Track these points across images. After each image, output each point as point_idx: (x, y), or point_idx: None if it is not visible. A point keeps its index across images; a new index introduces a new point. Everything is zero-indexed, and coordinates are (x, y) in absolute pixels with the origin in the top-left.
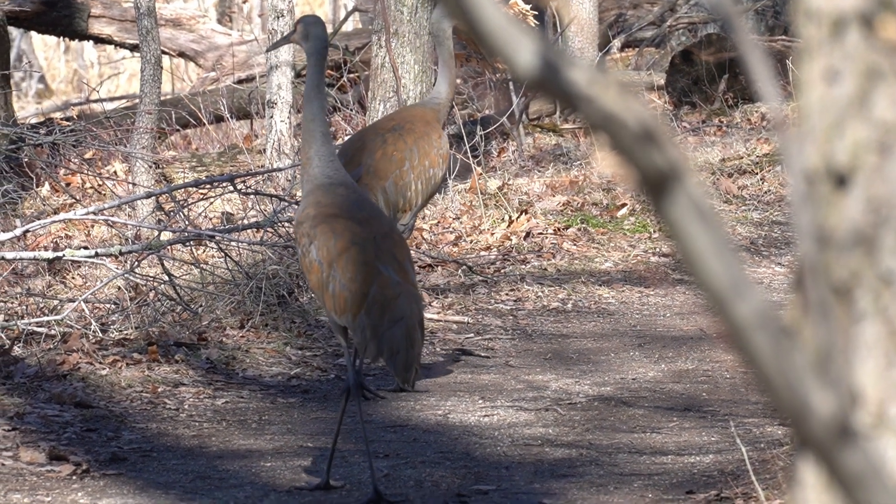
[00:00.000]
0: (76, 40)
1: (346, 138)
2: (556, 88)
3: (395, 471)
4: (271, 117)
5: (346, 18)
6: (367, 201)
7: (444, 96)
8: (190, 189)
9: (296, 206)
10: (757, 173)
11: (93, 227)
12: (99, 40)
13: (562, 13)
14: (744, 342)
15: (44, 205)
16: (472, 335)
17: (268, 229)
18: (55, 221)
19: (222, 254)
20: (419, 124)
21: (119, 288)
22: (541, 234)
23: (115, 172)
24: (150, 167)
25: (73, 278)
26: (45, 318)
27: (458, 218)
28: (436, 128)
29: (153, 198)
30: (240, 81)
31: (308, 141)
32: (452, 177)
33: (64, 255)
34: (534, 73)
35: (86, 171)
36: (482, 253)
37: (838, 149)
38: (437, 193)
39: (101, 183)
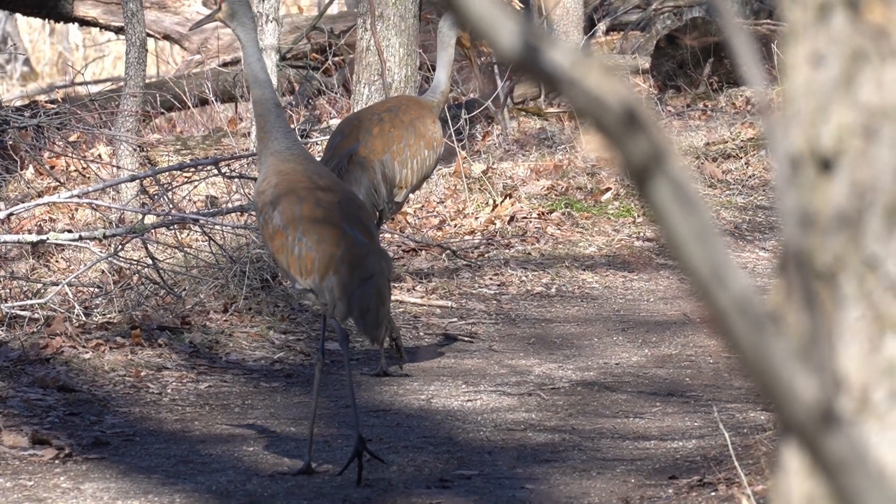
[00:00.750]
0: (61, 22)
1: (338, 121)
2: (538, 70)
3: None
4: None
5: (331, 1)
6: (326, 170)
7: (440, 94)
8: (174, 172)
9: None
10: (741, 157)
11: (77, 210)
12: (84, 23)
13: None
14: (727, 327)
15: (28, 188)
16: (455, 320)
17: (252, 213)
18: (39, 204)
19: (206, 237)
20: (414, 107)
21: (103, 271)
22: (525, 218)
23: (99, 156)
24: (135, 150)
25: (56, 262)
26: (29, 302)
27: (443, 202)
28: (430, 114)
29: (137, 181)
30: (225, 64)
31: (263, 115)
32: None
33: (48, 239)
34: (516, 55)
35: (70, 155)
36: (466, 237)
37: (823, 133)
38: (427, 178)
39: (85, 166)
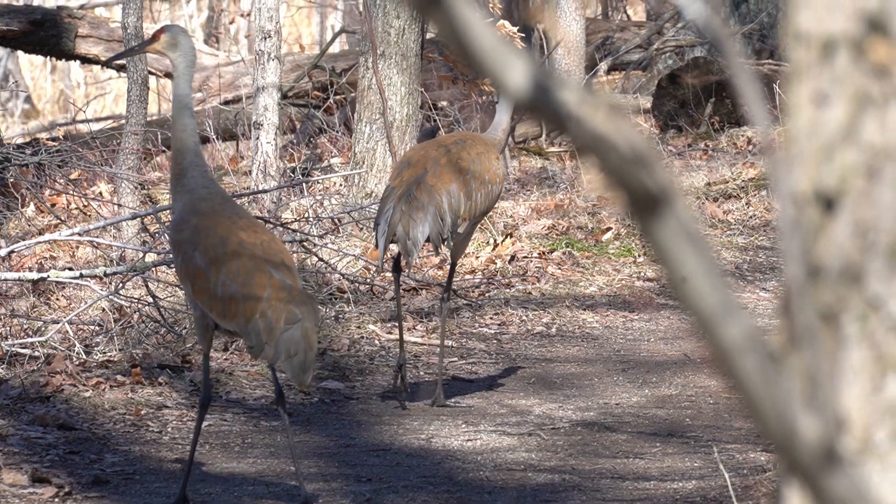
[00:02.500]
0: (63, 60)
1: (339, 159)
2: (546, 109)
3: (377, 495)
4: (257, 139)
5: (333, 39)
6: (243, 209)
7: (501, 132)
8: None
9: (281, 229)
10: (743, 198)
11: (78, 248)
12: (86, 60)
13: (549, 35)
14: (730, 366)
15: (29, 225)
16: (456, 359)
17: None
18: (40, 242)
19: None
20: (479, 143)
21: (103, 309)
22: (525, 257)
23: (100, 193)
24: (136, 188)
25: (57, 299)
26: (29, 340)
27: None
28: (494, 150)
29: (138, 219)
30: (226, 102)
31: (181, 152)
32: None
33: (48, 277)
34: (525, 94)
35: (71, 192)
36: (467, 276)
37: (826, 173)
38: (488, 212)
39: (86, 204)
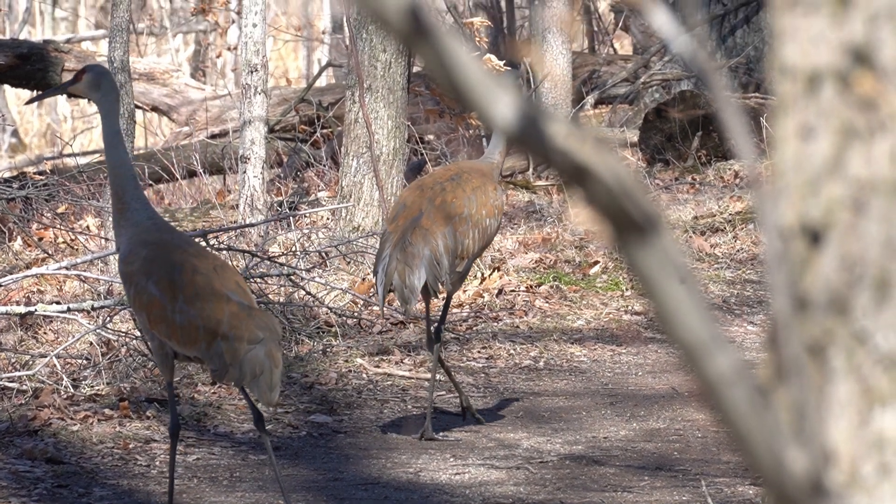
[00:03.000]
0: None
1: (325, 193)
2: (533, 142)
3: None
4: (244, 172)
5: (319, 73)
6: (189, 238)
7: (498, 155)
8: None
9: (268, 262)
10: (730, 231)
11: (65, 281)
12: (73, 94)
13: (536, 69)
14: (717, 399)
15: (16, 259)
16: (443, 393)
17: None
18: (27, 276)
19: None
20: (476, 175)
21: (91, 343)
22: (513, 291)
23: (87, 227)
24: None
25: (45, 333)
26: (17, 374)
27: None
28: (491, 181)
29: None
30: (213, 136)
31: (121, 186)
32: None
33: (36, 310)
34: (511, 127)
35: (58, 226)
36: (454, 310)
37: (812, 206)
38: (489, 245)
39: (73, 238)
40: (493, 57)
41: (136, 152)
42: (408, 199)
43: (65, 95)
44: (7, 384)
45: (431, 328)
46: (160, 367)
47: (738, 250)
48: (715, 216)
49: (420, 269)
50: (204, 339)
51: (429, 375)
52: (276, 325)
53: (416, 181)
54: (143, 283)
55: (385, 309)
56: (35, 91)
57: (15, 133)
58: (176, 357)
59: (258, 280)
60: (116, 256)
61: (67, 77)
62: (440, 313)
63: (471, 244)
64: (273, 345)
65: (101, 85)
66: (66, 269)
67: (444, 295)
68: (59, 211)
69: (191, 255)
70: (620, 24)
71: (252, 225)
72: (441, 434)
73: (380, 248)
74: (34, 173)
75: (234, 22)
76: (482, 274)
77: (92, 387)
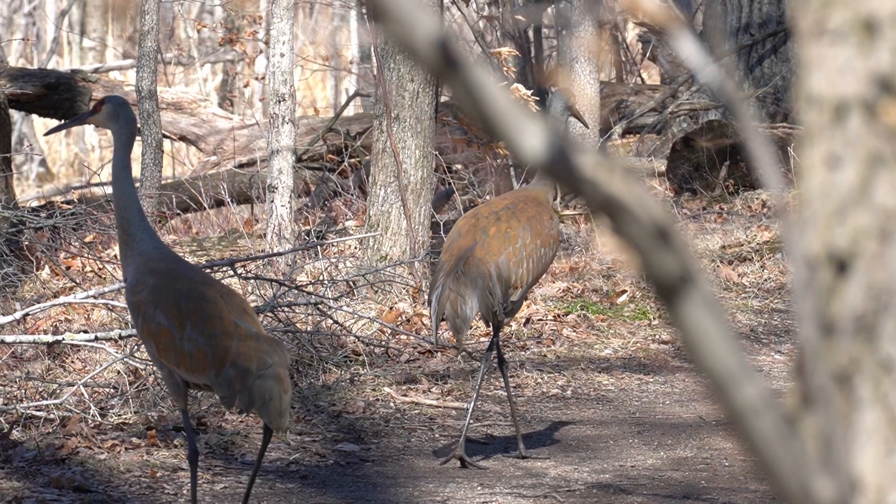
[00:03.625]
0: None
1: (353, 223)
2: (561, 172)
3: None
4: (272, 202)
5: (347, 103)
6: (195, 266)
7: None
8: None
9: (296, 291)
10: (757, 261)
11: (92, 310)
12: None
13: None
14: (744, 428)
15: (44, 288)
16: (471, 421)
17: (267, 314)
18: (55, 305)
19: None
20: (531, 205)
21: (118, 372)
22: (540, 320)
23: (115, 256)
24: None
25: (72, 362)
26: (45, 402)
27: None
28: (547, 209)
29: None
30: (241, 165)
31: (127, 219)
32: None
33: (63, 339)
34: (540, 157)
35: (86, 255)
36: (482, 339)
37: (839, 235)
38: (544, 274)
39: (101, 266)
40: (520, 86)
41: (163, 181)
42: (462, 229)
43: (92, 125)
44: (35, 413)
45: (491, 354)
46: (172, 395)
47: (766, 280)
48: (742, 245)
49: (472, 299)
50: (213, 367)
51: (457, 404)
52: (284, 352)
53: (473, 210)
54: (151, 311)
55: (438, 338)
56: (62, 120)
57: (43, 162)
58: (188, 385)
59: (286, 309)
60: None
61: None
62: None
63: (525, 274)
64: (282, 370)
65: (120, 116)
66: (94, 297)
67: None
68: (87, 240)
69: (197, 283)
70: (648, 55)
71: (280, 254)
72: (471, 459)
73: (433, 278)
74: (62, 202)
75: (261, 52)
76: None
77: (119, 415)
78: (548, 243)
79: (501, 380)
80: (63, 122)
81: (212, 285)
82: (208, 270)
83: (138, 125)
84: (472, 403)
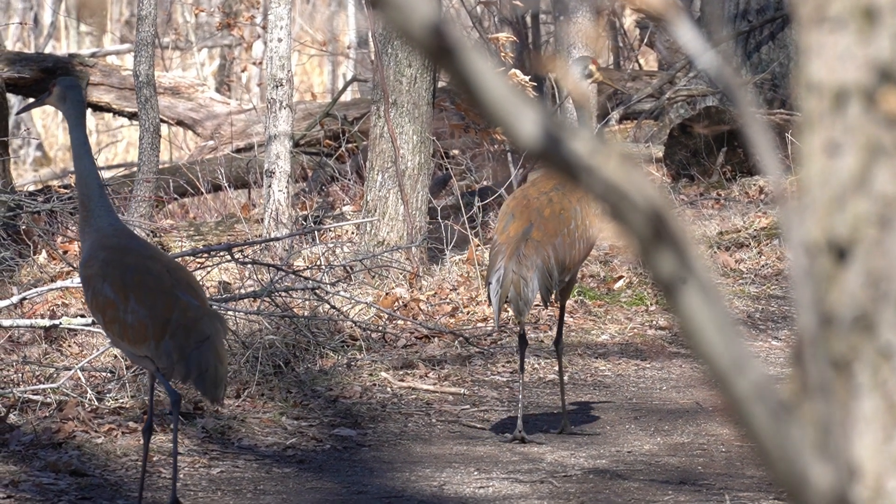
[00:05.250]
0: None
1: (350, 207)
2: (557, 159)
3: None
4: (269, 186)
5: (344, 88)
6: (148, 243)
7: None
8: (187, 258)
9: (293, 276)
10: (754, 247)
11: None
12: (98, 108)
13: (561, 84)
14: (742, 415)
15: (41, 272)
16: (468, 407)
17: (265, 299)
18: (52, 289)
19: None
20: None
21: (115, 356)
22: (537, 305)
23: None
24: (148, 236)
25: (69, 346)
26: (41, 386)
27: (456, 289)
28: None
29: None
30: (238, 150)
31: (87, 195)
32: (450, 248)
33: (60, 323)
34: (535, 144)
35: None
36: (479, 324)
37: (838, 222)
38: (590, 253)
39: None
40: (518, 72)
41: (161, 166)
42: (515, 210)
43: (89, 109)
44: (31, 397)
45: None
46: (135, 361)
47: (763, 266)
48: (740, 232)
49: (534, 281)
50: (153, 338)
51: (454, 389)
52: (223, 325)
53: (520, 190)
54: (100, 285)
55: (499, 322)
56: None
57: (40, 147)
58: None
59: (283, 294)
60: None
61: (93, 91)
62: (557, 325)
63: (577, 254)
64: (219, 342)
65: (68, 97)
66: None
67: (558, 307)
68: None
69: (145, 258)
70: (646, 41)
71: (277, 239)
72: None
73: (491, 260)
74: (59, 187)
75: (259, 37)
76: None
77: (116, 399)
78: (595, 223)
79: (497, 365)
80: (32, 101)
81: (159, 260)
82: (205, 255)
83: (86, 105)
84: (521, 383)
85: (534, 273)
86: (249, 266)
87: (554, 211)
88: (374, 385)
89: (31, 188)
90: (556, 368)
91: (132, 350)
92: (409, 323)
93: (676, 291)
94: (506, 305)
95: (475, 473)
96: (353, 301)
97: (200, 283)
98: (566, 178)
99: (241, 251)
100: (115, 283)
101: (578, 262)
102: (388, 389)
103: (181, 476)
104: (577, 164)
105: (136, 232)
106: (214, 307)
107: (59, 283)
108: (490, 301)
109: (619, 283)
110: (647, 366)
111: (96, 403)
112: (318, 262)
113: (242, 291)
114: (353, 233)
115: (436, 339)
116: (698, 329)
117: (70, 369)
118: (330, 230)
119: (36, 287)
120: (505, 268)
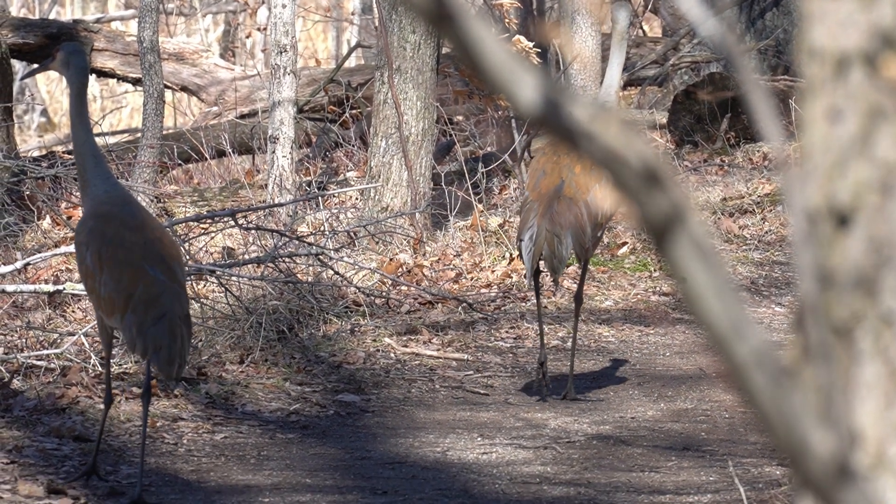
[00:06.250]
0: None
1: (354, 174)
2: (557, 125)
3: None
4: (273, 152)
5: (349, 54)
6: (142, 209)
7: (614, 96)
8: (191, 223)
9: (297, 242)
10: (758, 213)
11: None
12: (102, 74)
13: (564, 51)
14: (744, 381)
15: (45, 238)
16: (471, 372)
17: (268, 264)
18: (56, 255)
19: (223, 289)
20: None
21: None
22: (541, 271)
23: None
24: (152, 201)
25: (73, 312)
26: (45, 352)
27: (459, 255)
28: None
29: None
30: (242, 116)
31: (83, 164)
32: (454, 214)
33: (64, 289)
34: (535, 110)
35: None
36: (482, 290)
37: (840, 188)
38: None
39: None
40: (522, 38)
41: (165, 132)
42: (546, 167)
43: (94, 75)
44: (35, 362)
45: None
46: (100, 336)
47: (767, 232)
48: (743, 198)
49: (567, 238)
50: (119, 312)
51: (457, 355)
52: (182, 303)
53: (549, 146)
54: (84, 253)
55: (530, 283)
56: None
57: (44, 112)
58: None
59: (286, 259)
60: None
61: (97, 56)
62: (579, 282)
63: (608, 209)
64: (175, 320)
65: (71, 63)
66: None
67: (581, 265)
68: None
69: (126, 229)
70: (650, 7)
71: (281, 205)
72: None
73: (523, 217)
74: (63, 152)
75: (263, 2)
76: (510, 254)
77: (120, 365)
78: None
79: (501, 331)
80: (36, 66)
81: (141, 230)
82: (209, 221)
83: (89, 72)
84: (573, 343)
85: (567, 231)
86: (253, 232)
87: (585, 167)
88: (378, 351)
89: (35, 154)
90: (560, 334)
91: (106, 321)
92: (412, 289)
93: (674, 252)
94: (540, 263)
95: (478, 439)
96: (356, 267)
97: (204, 248)
98: (566, 144)
99: (245, 217)
100: (95, 254)
101: (607, 219)
102: (392, 355)
103: (184, 441)
104: (576, 130)
105: (138, 198)
106: (187, 281)
107: (63, 249)
108: (522, 257)
109: (623, 250)
110: (651, 332)
111: (100, 369)
112: (322, 228)
113: (246, 257)
114: (356, 199)
115: (439, 304)
116: (698, 294)
117: (74, 335)
118: (334, 196)
119: (40, 252)
120: (538, 226)
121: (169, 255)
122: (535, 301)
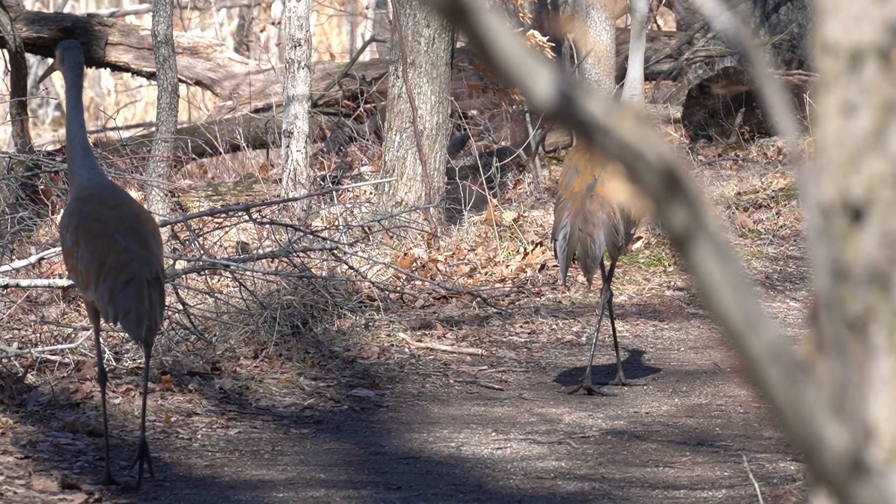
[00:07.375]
0: (93, 68)
1: (369, 168)
2: (572, 119)
3: (407, 503)
4: (287, 147)
5: (363, 48)
6: (123, 193)
7: (639, 94)
8: (205, 218)
9: (311, 237)
10: (773, 208)
11: None
12: (116, 68)
13: (579, 45)
14: (758, 376)
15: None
16: (485, 367)
17: (283, 259)
18: None
19: (237, 283)
20: None
21: None
22: (555, 266)
23: None
24: (166, 196)
25: None
26: (59, 346)
27: (474, 250)
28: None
29: (168, 226)
30: (256, 111)
31: (71, 157)
32: (468, 208)
33: None
34: (551, 104)
35: None
36: (497, 285)
37: (854, 183)
38: None
39: None
40: (536, 33)
41: (179, 126)
42: (579, 164)
43: (108, 69)
44: (49, 357)
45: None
46: (89, 317)
47: (781, 226)
48: (758, 192)
49: (600, 237)
50: (93, 283)
51: (471, 350)
52: (150, 267)
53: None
54: (64, 234)
55: (566, 279)
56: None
57: (59, 106)
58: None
59: (301, 254)
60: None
61: (111, 50)
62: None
63: (641, 208)
64: (142, 283)
65: (65, 58)
66: None
67: (610, 260)
68: None
69: (103, 206)
70: (664, 1)
71: (295, 199)
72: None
73: (557, 216)
74: None
75: None
76: (524, 249)
77: (134, 360)
78: None
79: (515, 326)
80: (47, 69)
81: (117, 207)
82: (223, 215)
83: (83, 66)
84: (595, 335)
85: (600, 230)
86: (267, 226)
87: None
88: (392, 346)
89: (50, 148)
90: (574, 329)
91: (84, 296)
92: (426, 283)
93: (690, 249)
94: (574, 262)
95: (493, 434)
96: (370, 261)
97: (218, 243)
98: (581, 139)
99: (259, 211)
100: (72, 232)
101: (643, 215)
102: (406, 350)
103: (199, 437)
104: (591, 124)
105: (153, 192)
106: (146, 252)
107: None
108: (556, 256)
109: (638, 244)
110: (665, 327)
111: (114, 363)
112: (336, 223)
113: (260, 252)
114: (371, 193)
115: (453, 299)
116: (712, 288)
117: (88, 329)
118: (348, 190)
119: (54, 247)
120: (571, 225)
121: (145, 229)
122: (549, 297)
